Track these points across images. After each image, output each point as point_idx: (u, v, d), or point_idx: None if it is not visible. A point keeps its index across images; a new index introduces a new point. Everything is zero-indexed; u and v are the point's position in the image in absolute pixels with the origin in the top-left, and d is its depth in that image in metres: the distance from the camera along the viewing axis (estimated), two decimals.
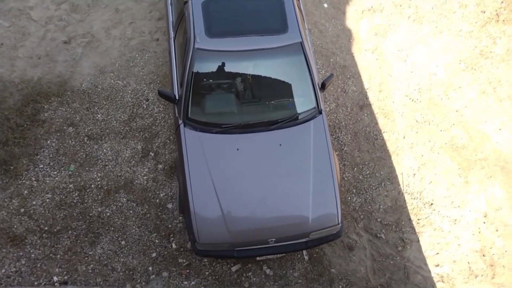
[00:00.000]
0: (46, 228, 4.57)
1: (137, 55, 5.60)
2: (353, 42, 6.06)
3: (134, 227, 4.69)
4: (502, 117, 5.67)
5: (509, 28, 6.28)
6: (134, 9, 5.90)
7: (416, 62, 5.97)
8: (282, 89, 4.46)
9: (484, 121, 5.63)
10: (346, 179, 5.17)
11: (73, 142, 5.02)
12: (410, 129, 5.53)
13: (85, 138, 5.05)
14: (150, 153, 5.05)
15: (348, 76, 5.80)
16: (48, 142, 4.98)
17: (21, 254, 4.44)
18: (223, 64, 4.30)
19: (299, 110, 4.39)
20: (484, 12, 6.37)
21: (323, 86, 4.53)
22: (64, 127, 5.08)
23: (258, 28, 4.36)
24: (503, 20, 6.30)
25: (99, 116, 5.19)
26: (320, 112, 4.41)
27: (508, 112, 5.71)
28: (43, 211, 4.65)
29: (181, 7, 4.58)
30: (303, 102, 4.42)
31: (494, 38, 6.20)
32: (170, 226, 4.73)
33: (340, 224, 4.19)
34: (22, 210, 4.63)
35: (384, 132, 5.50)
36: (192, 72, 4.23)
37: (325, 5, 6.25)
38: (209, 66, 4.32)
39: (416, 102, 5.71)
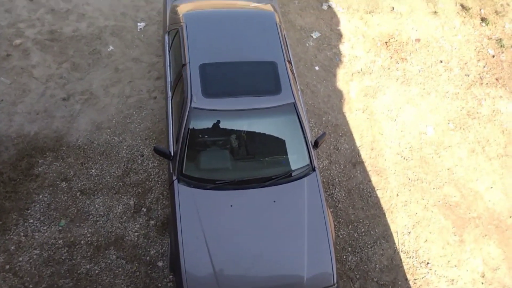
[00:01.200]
0: (31, 286, 4.39)
1: (134, 112, 5.72)
2: (344, 102, 6.27)
3: (123, 285, 4.52)
4: (492, 176, 5.76)
5: (493, 91, 6.57)
6: (134, 68, 6.12)
7: (406, 122, 6.15)
8: (276, 147, 4.54)
9: (476, 179, 5.71)
10: (341, 236, 5.11)
11: (65, 197, 4.97)
12: (403, 187, 5.58)
13: (78, 193, 5.02)
14: (143, 208, 5.01)
15: (340, 134, 5.94)
16: (40, 196, 4.94)
17: None
18: (218, 122, 4.41)
19: (292, 167, 4.44)
20: (468, 76, 6.68)
21: (316, 144, 4.61)
22: (57, 182, 5.06)
23: (252, 89, 4.52)
24: (487, 83, 6.60)
25: (93, 171, 5.20)
26: (314, 169, 4.46)
27: (498, 171, 5.81)
28: (29, 268, 4.49)
29: (179, 68, 4.77)
30: (296, 160, 4.49)
31: (480, 100, 6.46)
32: (159, 285, 4.58)
33: (335, 285, 4.08)
34: (7, 266, 4.48)
35: (377, 190, 5.53)
36: (188, 129, 4.32)
37: (317, 68, 6.54)
38: (205, 124, 4.41)
39: (408, 160, 5.80)
